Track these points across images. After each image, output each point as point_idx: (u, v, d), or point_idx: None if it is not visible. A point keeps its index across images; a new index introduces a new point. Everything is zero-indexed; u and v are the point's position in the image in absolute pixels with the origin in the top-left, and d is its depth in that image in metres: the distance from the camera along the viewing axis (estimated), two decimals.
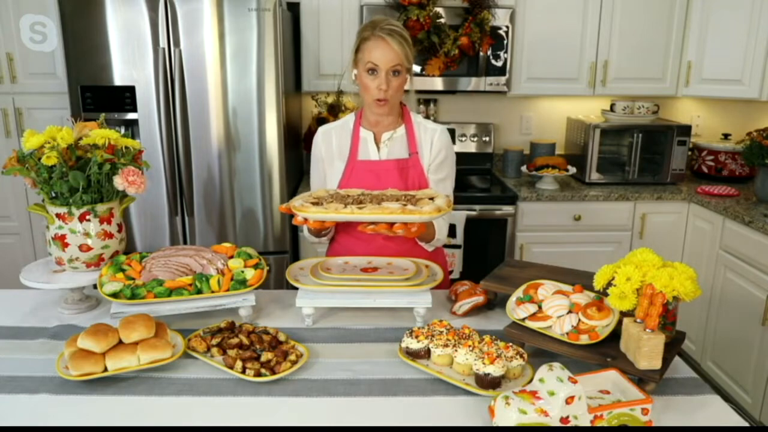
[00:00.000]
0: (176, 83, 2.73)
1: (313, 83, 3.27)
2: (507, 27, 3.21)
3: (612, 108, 3.45)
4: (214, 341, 1.37)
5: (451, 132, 3.60)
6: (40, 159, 1.47)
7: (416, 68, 3.22)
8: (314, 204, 1.54)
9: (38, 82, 3.06)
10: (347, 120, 1.90)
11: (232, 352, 1.32)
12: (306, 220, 1.51)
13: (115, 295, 1.44)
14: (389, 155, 1.84)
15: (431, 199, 1.56)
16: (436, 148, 1.86)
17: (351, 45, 3.27)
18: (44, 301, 1.68)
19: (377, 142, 1.85)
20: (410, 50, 1.74)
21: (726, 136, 3.50)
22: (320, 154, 1.87)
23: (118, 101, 2.75)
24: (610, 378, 1.21)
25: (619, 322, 1.30)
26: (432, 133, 1.87)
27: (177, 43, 2.69)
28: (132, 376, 1.30)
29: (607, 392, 1.19)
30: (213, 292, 1.49)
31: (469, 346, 1.29)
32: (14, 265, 2.93)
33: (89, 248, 1.55)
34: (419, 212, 1.46)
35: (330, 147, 1.86)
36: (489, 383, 1.22)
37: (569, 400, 1.06)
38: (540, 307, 1.41)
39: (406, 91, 1.83)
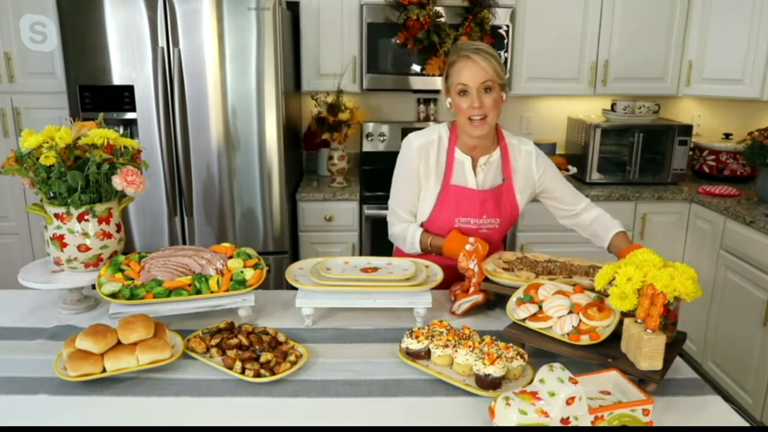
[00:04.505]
0: (175, 83, 2.72)
1: (312, 83, 3.27)
2: (507, 26, 3.20)
3: (613, 108, 3.44)
4: (214, 342, 1.36)
5: None
6: (38, 159, 1.47)
7: (416, 68, 3.22)
8: (505, 270, 1.62)
9: (37, 82, 3.06)
10: (441, 135, 1.82)
11: (231, 353, 1.31)
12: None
13: (113, 295, 1.43)
14: (484, 181, 1.81)
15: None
16: (538, 172, 1.84)
17: (351, 44, 3.28)
18: (43, 301, 1.67)
19: (474, 166, 1.80)
20: (499, 66, 1.70)
21: (727, 136, 3.49)
22: (417, 169, 1.80)
23: (116, 101, 2.75)
24: (611, 379, 1.20)
25: (620, 323, 1.30)
26: (528, 158, 1.83)
27: (176, 43, 2.69)
28: (131, 376, 1.29)
29: (608, 393, 1.19)
30: (212, 292, 1.48)
31: (470, 346, 1.29)
32: (12, 265, 2.92)
33: (88, 248, 1.55)
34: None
35: (428, 163, 1.80)
36: (489, 384, 1.22)
37: (570, 401, 1.05)
38: (540, 308, 1.40)
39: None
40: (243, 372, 1.27)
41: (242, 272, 1.54)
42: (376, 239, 3.10)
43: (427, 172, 1.80)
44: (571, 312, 1.36)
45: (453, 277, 1.73)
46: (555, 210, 1.94)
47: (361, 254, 3.16)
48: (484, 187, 1.81)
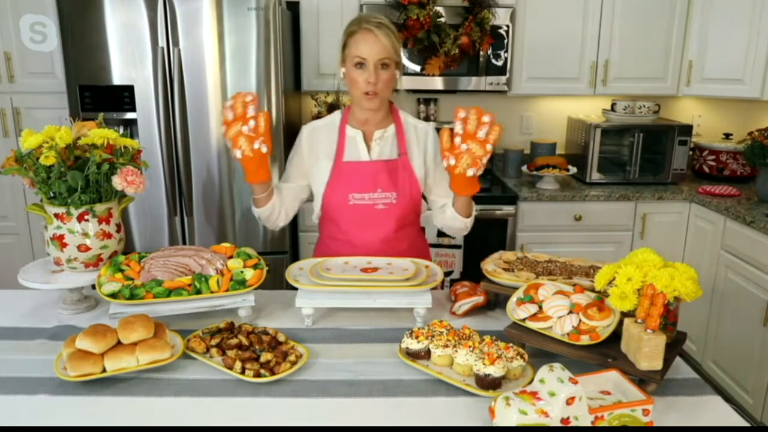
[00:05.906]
0: (175, 83, 2.72)
1: (312, 83, 3.27)
2: (507, 26, 3.20)
3: (613, 107, 3.44)
4: (213, 342, 1.36)
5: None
6: (38, 159, 1.47)
7: (416, 68, 3.22)
8: (505, 270, 1.62)
9: (36, 82, 3.06)
10: (334, 119, 1.85)
11: (231, 353, 1.31)
12: None
13: (113, 295, 1.43)
14: (380, 155, 1.80)
15: None
16: (431, 152, 1.84)
17: None
18: (43, 301, 1.67)
19: (367, 141, 1.81)
20: (398, 43, 1.70)
21: (727, 136, 3.49)
22: (302, 152, 1.83)
23: (116, 101, 2.75)
24: (611, 379, 1.20)
25: (620, 323, 1.30)
26: (425, 136, 1.84)
27: (176, 43, 2.69)
28: (131, 376, 1.29)
29: (608, 393, 1.19)
30: (212, 292, 1.48)
31: (470, 346, 1.29)
32: (12, 265, 2.91)
33: (88, 248, 1.55)
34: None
35: (315, 147, 1.82)
36: (489, 384, 1.22)
37: (570, 401, 1.05)
38: (540, 308, 1.40)
39: (396, 91, 1.78)
40: (243, 372, 1.27)
41: (242, 272, 1.54)
42: None
43: (314, 154, 1.82)
44: (571, 312, 1.35)
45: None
46: (432, 205, 1.89)
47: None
48: (379, 159, 1.80)
